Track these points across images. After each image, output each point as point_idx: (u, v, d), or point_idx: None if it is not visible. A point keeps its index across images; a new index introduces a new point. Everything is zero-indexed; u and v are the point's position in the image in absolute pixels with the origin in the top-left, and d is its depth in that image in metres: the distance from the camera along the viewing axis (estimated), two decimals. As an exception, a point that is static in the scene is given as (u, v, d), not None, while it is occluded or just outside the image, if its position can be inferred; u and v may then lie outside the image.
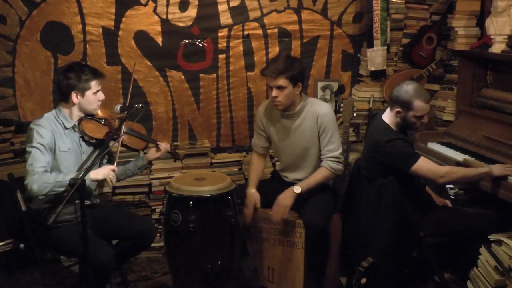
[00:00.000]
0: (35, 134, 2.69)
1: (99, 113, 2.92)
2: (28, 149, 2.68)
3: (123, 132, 2.87)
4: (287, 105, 3.06)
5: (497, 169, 2.76)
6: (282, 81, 2.96)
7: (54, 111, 2.85)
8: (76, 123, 2.83)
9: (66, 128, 2.81)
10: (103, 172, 2.72)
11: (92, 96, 2.82)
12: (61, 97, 2.83)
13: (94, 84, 2.81)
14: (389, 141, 2.81)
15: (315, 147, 3.15)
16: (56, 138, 2.75)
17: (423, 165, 2.80)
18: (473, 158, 3.10)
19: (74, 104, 2.80)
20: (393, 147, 2.80)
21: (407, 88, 2.83)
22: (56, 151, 2.74)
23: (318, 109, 3.11)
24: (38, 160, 2.63)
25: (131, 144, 2.99)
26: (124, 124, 2.82)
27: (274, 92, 2.99)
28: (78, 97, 2.79)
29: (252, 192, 3.16)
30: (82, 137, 2.84)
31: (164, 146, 3.10)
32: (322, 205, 3.06)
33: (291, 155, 3.21)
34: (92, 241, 2.61)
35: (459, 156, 3.17)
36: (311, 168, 3.19)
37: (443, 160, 3.22)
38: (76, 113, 2.84)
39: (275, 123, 3.21)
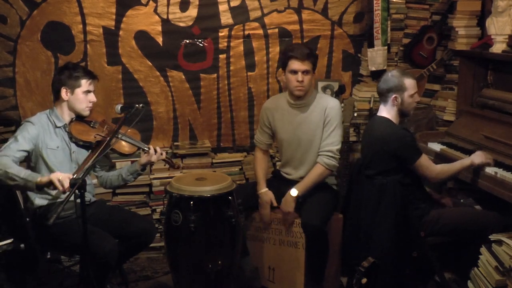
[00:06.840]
0: (22, 128, 2.76)
1: (92, 115, 2.93)
2: (9, 139, 2.75)
3: (115, 138, 2.77)
4: (307, 92, 3.12)
5: (477, 159, 2.94)
6: (309, 65, 3.06)
7: (48, 110, 2.90)
8: (67, 123, 2.87)
9: (56, 127, 2.85)
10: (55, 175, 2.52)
11: (82, 95, 2.84)
12: (54, 94, 2.89)
13: (84, 83, 2.84)
14: (398, 131, 2.90)
15: (319, 141, 3.17)
16: (45, 136, 2.79)
17: (424, 162, 2.91)
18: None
19: (64, 100, 2.84)
20: (403, 137, 2.88)
21: (393, 73, 2.99)
22: (42, 148, 2.78)
23: (327, 102, 3.18)
24: (9, 148, 2.67)
25: (119, 149, 2.94)
26: (118, 128, 2.77)
27: (300, 76, 3.05)
28: (68, 93, 2.83)
29: (265, 192, 3.19)
30: (70, 137, 2.86)
31: (152, 151, 2.94)
32: (320, 206, 3.07)
33: (296, 148, 3.22)
34: (94, 233, 2.64)
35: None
36: (312, 164, 3.19)
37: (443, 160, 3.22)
38: (67, 112, 2.88)
39: (282, 115, 3.23)
